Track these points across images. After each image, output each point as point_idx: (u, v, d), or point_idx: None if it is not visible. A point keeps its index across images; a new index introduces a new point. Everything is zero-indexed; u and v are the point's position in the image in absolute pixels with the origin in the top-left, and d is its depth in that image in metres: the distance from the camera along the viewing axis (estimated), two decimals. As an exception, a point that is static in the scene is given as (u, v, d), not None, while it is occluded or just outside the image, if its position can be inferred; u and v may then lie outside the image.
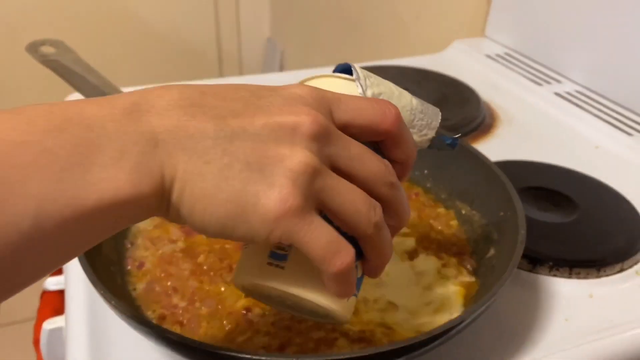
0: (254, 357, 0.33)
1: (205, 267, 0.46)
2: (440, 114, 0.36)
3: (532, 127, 0.75)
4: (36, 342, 0.64)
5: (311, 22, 1.68)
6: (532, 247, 0.47)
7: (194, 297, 0.43)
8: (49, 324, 0.49)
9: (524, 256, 0.49)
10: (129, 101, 0.28)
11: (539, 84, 0.84)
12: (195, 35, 1.90)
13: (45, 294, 0.67)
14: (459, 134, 0.42)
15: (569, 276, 0.50)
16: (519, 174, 0.59)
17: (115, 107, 0.28)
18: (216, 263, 0.46)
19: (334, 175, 0.29)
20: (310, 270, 0.30)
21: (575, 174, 0.63)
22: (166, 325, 0.41)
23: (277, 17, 1.94)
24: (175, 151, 0.27)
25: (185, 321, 0.41)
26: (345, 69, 0.36)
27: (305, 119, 0.29)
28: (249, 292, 0.34)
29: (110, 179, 0.26)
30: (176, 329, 0.41)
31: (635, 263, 0.52)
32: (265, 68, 2.03)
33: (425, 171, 0.56)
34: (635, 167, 0.66)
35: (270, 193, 0.27)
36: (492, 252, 0.46)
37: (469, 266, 0.47)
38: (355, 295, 0.33)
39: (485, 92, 0.81)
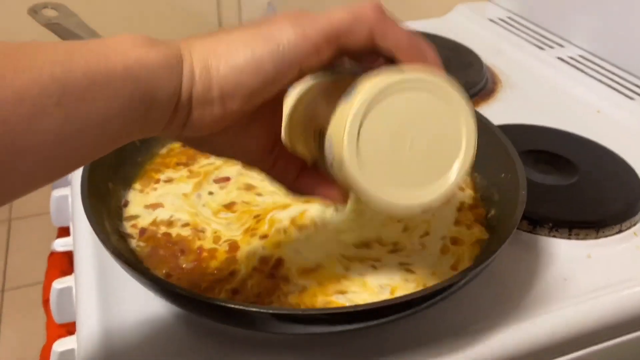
0: (268, 311, 0.34)
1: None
2: None
3: (534, 91, 0.75)
4: (45, 302, 0.65)
5: (312, -14, 1.65)
6: (532, 208, 0.47)
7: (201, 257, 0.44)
8: (59, 284, 0.50)
9: (524, 218, 0.50)
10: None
11: (542, 49, 0.84)
12: (196, 0, 1.88)
13: (53, 255, 0.68)
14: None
15: (568, 237, 0.51)
16: (520, 137, 0.59)
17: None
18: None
19: None
20: None
21: (576, 137, 0.63)
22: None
23: (278, -19, 1.92)
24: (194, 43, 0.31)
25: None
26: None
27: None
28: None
29: (132, 45, 0.28)
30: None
31: (634, 224, 0.52)
32: (266, 34, 2.01)
33: (428, 134, 0.56)
34: (636, 131, 0.66)
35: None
36: (492, 212, 0.47)
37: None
38: None
39: (487, 56, 0.81)
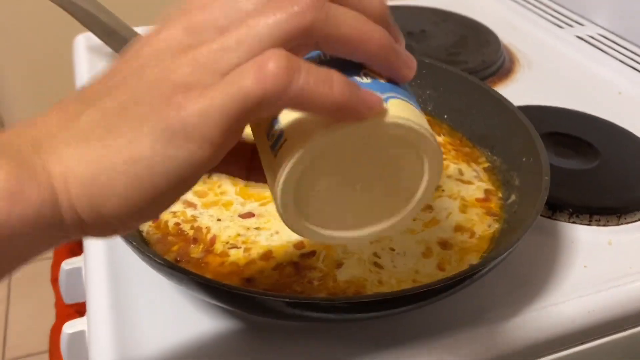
0: (281, 299, 0.33)
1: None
2: None
3: (553, 72, 0.73)
4: (54, 280, 0.64)
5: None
6: (552, 193, 0.45)
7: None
8: (67, 264, 0.49)
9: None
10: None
11: (561, 27, 0.81)
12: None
13: (61, 234, 0.67)
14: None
15: (589, 223, 0.49)
16: (539, 119, 0.57)
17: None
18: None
19: None
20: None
21: (596, 120, 0.61)
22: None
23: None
24: (53, 145, 0.24)
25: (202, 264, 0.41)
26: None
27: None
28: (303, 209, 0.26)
29: None
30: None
31: (657, 211, 0.51)
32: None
33: (445, 116, 0.55)
34: (659, 113, 0.64)
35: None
36: (513, 198, 0.45)
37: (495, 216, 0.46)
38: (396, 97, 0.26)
39: (505, 35, 0.79)
